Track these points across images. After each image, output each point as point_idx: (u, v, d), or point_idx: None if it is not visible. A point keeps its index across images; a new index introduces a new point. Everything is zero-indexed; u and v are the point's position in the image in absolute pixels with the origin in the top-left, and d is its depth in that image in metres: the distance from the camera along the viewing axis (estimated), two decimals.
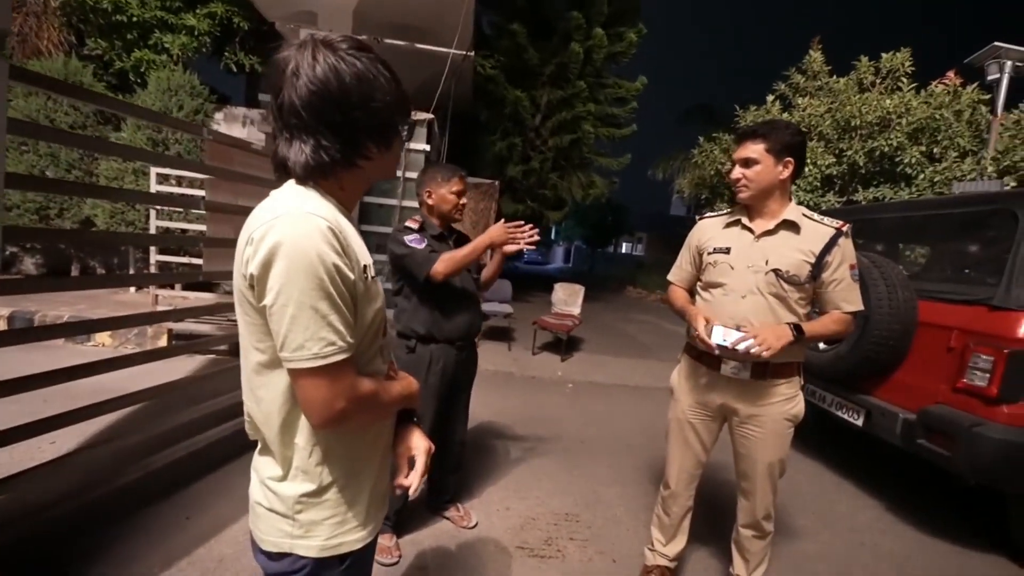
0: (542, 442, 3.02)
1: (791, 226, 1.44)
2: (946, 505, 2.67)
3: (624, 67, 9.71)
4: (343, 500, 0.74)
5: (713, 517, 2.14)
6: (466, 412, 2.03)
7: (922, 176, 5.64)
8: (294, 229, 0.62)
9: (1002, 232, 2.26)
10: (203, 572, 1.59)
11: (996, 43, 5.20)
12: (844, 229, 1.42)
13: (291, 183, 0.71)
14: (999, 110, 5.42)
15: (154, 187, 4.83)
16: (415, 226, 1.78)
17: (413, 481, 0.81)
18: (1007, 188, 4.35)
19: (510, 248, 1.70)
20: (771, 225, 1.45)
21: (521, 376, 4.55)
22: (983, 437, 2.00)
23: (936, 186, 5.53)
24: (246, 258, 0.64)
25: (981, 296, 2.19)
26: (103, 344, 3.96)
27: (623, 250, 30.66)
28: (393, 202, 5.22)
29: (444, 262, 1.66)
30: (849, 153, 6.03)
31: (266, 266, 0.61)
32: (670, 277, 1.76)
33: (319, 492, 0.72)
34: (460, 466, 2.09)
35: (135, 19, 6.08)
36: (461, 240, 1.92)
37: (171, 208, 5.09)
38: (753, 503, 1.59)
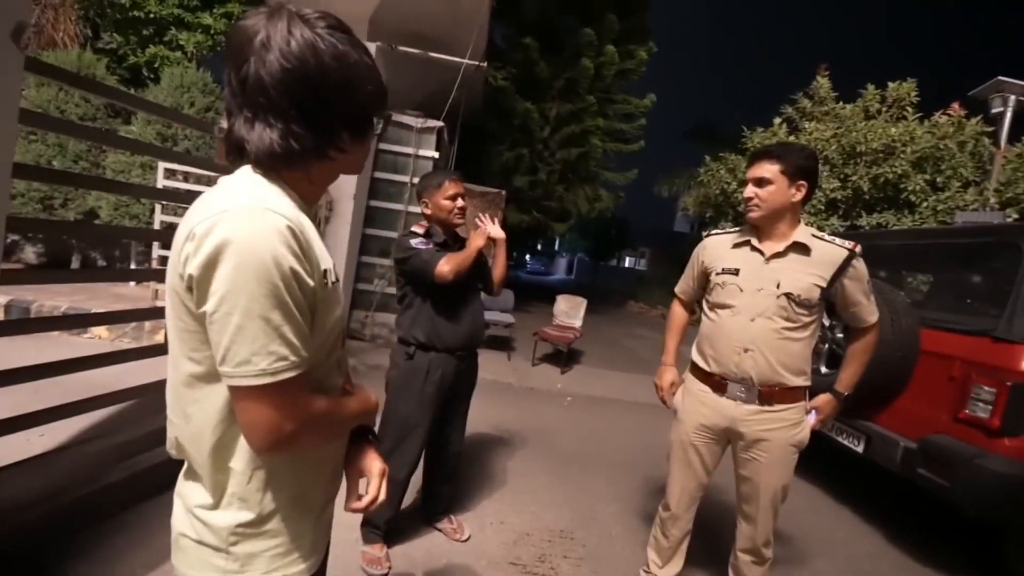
0: (539, 455, 2.98)
1: (801, 248, 1.43)
2: (945, 536, 2.63)
3: (633, 84, 9.83)
4: (287, 529, 0.66)
5: (709, 540, 2.11)
6: (463, 422, 2.01)
7: (925, 204, 5.67)
8: (247, 226, 0.53)
9: (1006, 264, 2.26)
10: None
11: (1000, 78, 5.27)
12: (856, 250, 1.41)
13: (246, 170, 0.61)
14: (1003, 143, 5.47)
15: (161, 182, 4.84)
16: (420, 231, 1.78)
17: (363, 505, 0.74)
18: (1009, 220, 4.37)
19: (496, 230, 1.86)
20: (781, 247, 1.44)
21: (520, 387, 4.52)
22: (984, 469, 1.98)
23: (939, 215, 5.56)
24: (185, 255, 0.55)
25: (984, 327, 2.19)
26: (100, 337, 3.93)
27: (626, 264, 30.75)
28: (399, 207, 5.24)
29: (449, 261, 1.67)
30: (854, 179, 6.06)
31: (209, 267, 0.52)
32: (677, 289, 1.79)
33: (260, 521, 0.63)
34: (454, 477, 2.06)
35: (152, 15, 6.17)
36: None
37: (177, 204, 5.09)
38: (754, 528, 1.56)
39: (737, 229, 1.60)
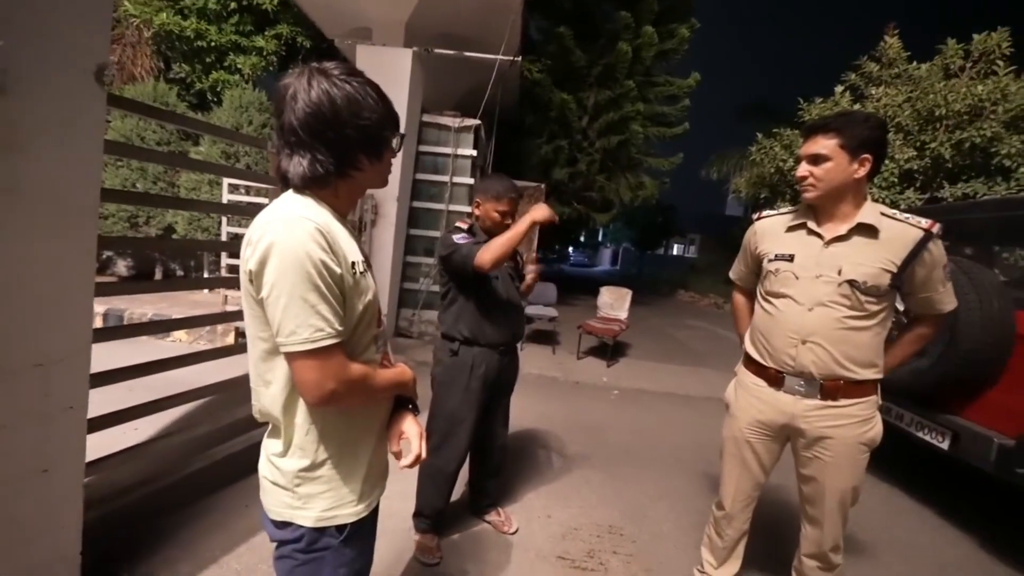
0: (586, 450, 2.96)
1: (868, 230, 1.28)
2: None
3: (676, 64, 9.39)
4: (338, 476, 0.81)
5: (771, 540, 2.00)
6: (507, 416, 2.03)
7: (1023, 169, 4.99)
8: (285, 231, 0.69)
9: None
10: (260, 558, 1.69)
11: None
12: (934, 230, 1.25)
13: (289, 193, 0.79)
14: None
15: (226, 196, 5.25)
16: (464, 227, 1.79)
17: (409, 462, 0.86)
18: None
19: (545, 218, 1.61)
20: (843, 229, 1.30)
21: (565, 381, 4.49)
22: None
23: None
24: (246, 258, 0.72)
25: None
26: (180, 340, 4.35)
27: (674, 252, 29.63)
28: (440, 207, 5.36)
29: (486, 250, 1.60)
30: (933, 146, 5.44)
31: (262, 263, 0.69)
32: (732, 275, 1.69)
33: (314, 467, 0.79)
34: (501, 470, 2.08)
35: (213, 44, 6.69)
36: None
37: (240, 216, 5.51)
38: (820, 532, 1.45)
39: (792, 209, 1.46)
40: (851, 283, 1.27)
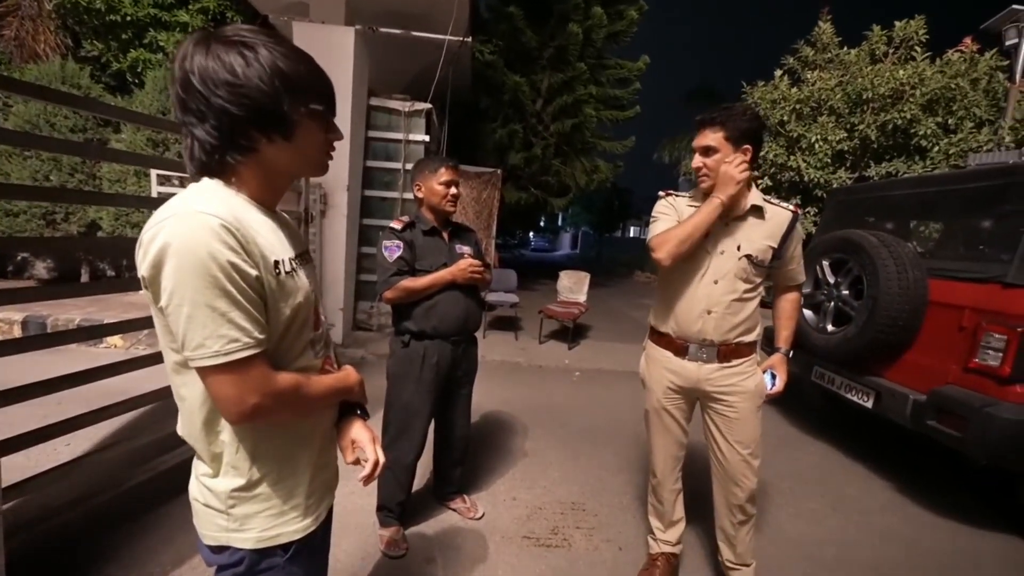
0: (549, 431, 3.03)
1: (757, 211, 1.47)
2: (958, 485, 2.64)
3: (626, 47, 9.48)
4: (277, 493, 0.75)
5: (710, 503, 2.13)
6: (468, 407, 2.03)
7: (937, 148, 5.47)
8: (181, 228, 0.60)
9: (1018, 206, 2.18)
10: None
11: (1015, 6, 4.99)
12: (799, 212, 1.52)
13: (195, 183, 0.70)
14: (1017, 76, 5.22)
15: (155, 189, 4.85)
16: (399, 227, 1.76)
17: (368, 473, 0.80)
18: None
19: (465, 279, 1.78)
20: (740, 211, 1.46)
21: (528, 365, 4.55)
22: (995, 418, 1.97)
23: (952, 158, 5.37)
24: (138, 261, 0.63)
25: (994, 273, 2.14)
26: (115, 346, 4.02)
27: (631, 234, 30.44)
28: (395, 195, 5.20)
29: (396, 290, 1.70)
30: (861, 127, 5.85)
31: (156, 268, 0.60)
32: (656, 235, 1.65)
33: (250, 486, 0.72)
34: (464, 459, 2.09)
35: (129, 18, 6.05)
36: (458, 231, 1.90)
37: None
38: (732, 487, 1.57)
39: (691, 194, 1.58)
40: (748, 257, 1.44)
